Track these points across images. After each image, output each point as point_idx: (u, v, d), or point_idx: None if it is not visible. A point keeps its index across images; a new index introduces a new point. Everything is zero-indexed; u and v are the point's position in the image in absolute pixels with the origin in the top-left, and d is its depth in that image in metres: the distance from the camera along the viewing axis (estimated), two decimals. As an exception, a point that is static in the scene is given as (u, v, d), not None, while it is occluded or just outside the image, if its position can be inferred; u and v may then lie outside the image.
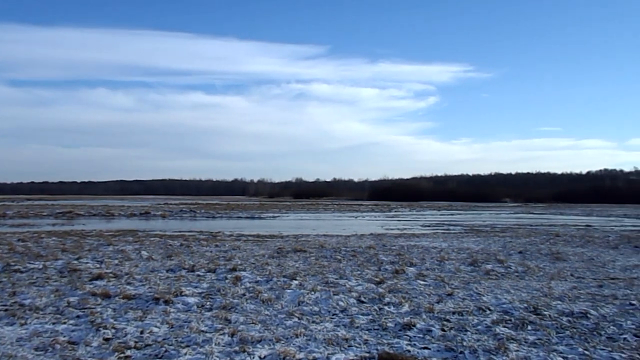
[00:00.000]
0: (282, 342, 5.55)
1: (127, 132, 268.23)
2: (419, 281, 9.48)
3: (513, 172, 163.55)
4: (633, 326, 6.27)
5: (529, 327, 6.22)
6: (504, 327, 6.23)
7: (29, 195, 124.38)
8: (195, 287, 8.71)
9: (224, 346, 5.42)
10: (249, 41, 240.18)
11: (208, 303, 7.51)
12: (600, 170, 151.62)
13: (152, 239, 17.93)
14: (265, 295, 7.96)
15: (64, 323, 6.30)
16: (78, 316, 6.66)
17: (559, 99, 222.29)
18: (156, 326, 6.19)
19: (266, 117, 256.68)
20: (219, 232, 21.61)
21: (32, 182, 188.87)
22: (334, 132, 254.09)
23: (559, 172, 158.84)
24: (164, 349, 5.31)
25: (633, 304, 7.48)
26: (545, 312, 6.91)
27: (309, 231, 23.48)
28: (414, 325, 6.22)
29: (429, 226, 28.79)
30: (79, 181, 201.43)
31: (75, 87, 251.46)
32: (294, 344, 5.46)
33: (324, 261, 12.12)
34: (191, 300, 7.63)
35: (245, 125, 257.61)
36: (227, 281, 9.30)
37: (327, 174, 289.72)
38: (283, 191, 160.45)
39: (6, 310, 6.94)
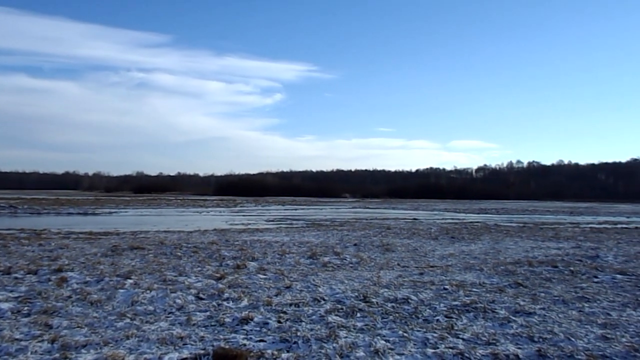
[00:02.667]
0: (111, 345, 5.21)
1: None
2: (259, 275, 9.61)
3: (353, 169, 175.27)
4: (445, 308, 7.08)
5: (358, 315, 6.68)
6: (336, 315, 6.60)
7: None
8: (11, 291, 7.77)
9: (42, 354, 4.92)
10: (83, 23, 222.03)
11: (26, 308, 6.75)
12: (427, 169, 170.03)
13: (-42, 238, 15.57)
14: (95, 296, 7.41)
15: None
16: None
17: (392, 101, 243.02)
18: (-42, 338, 5.40)
19: (103, 106, 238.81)
20: (45, 230, 19.53)
21: None
22: (179, 124, 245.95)
23: (393, 169, 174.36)
24: (-34, 363, 4.67)
25: (446, 289, 8.44)
26: (373, 300, 7.48)
27: (149, 227, 22.40)
28: (252, 319, 6.29)
29: (273, 221, 29.31)
30: None
31: None
32: (124, 347, 5.17)
33: (163, 258, 11.66)
34: (5, 305, 6.79)
35: (79, 114, 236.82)
36: (50, 283, 8.45)
37: (171, 168, 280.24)
38: (122, 185, 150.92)
39: None
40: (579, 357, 5.05)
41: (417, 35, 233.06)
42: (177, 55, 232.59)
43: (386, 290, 8.27)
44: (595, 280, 9.53)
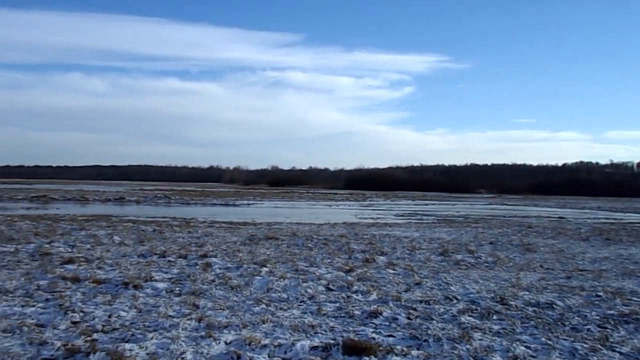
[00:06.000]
0: (249, 328, 5.51)
1: (102, 116, 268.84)
2: (388, 270, 9.53)
3: (489, 163, 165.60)
4: (597, 317, 6.36)
5: (495, 317, 6.29)
6: (470, 316, 6.29)
7: (4, 178, 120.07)
8: (166, 272, 8.60)
9: (190, 331, 5.36)
10: (223, 27, 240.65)
11: (177, 288, 7.42)
12: (576, 163, 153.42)
13: (125, 224, 17.66)
14: (235, 281, 7.91)
15: (33, 306, 6.21)
16: (47, 299, 6.56)
17: (534, 90, 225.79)
18: (124, 310, 6.11)
19: (241, 104, 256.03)
20: (193, 219, 21.39)
21: (8, 166, 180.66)
22: (310, 120, 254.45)
23: (535, 163, 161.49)
24: (130, 332, 5.24)
25: (599, 296, 7.58)
26: (512, 302, 6.99)
27: (282, 219, 23.42)
28: (381, 314, 6.24)
29: (402, 216, 28.99)
30: (54, 165, 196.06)
31: (51, 71, 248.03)
32: (260, 330, 5.43)
33: (295, 249, 12.10)
34: (160, 285, 7.52)
35: (221, 112, 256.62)
36: (197, 267, 9.20)
37: (302, 163, 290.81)
38: (259, 179, 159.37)
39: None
40: None
41: (553, 16, 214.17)
42: (308, 53, 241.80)
43: (527, 293, 7.70)
44: None
